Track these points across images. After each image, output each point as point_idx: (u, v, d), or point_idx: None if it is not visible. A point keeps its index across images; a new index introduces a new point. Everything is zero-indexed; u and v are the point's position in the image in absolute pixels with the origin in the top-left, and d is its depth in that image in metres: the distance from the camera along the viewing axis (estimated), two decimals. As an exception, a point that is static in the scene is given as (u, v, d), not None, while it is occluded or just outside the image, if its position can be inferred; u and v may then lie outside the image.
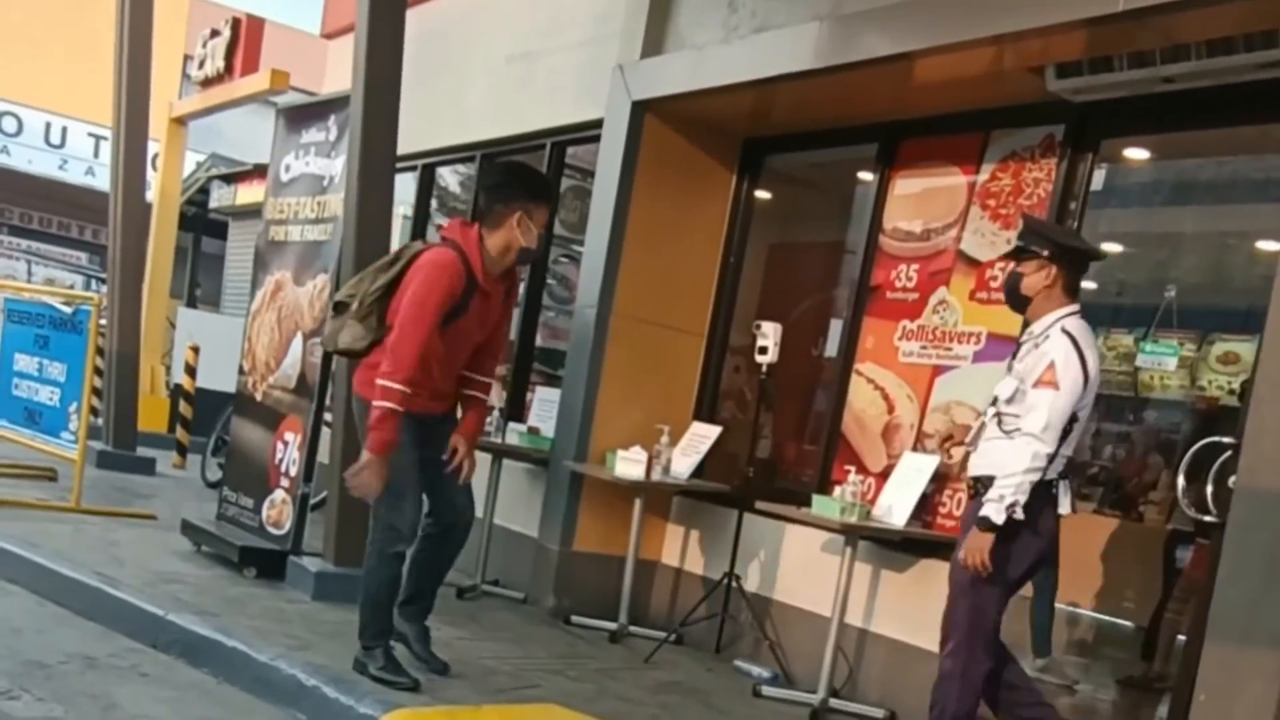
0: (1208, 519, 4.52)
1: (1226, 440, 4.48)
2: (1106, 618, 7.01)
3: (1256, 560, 3.03)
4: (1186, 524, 5.90)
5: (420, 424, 4.60)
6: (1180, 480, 4.92)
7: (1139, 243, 7.06)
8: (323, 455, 6.23)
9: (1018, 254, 4.34)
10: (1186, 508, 4.67)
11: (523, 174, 5.08)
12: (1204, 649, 3.12)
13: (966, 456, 4.73)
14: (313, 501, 6.30)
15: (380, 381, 4.38)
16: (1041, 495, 4.08)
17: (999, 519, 4.02)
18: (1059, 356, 4.06)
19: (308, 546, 6.17)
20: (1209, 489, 4.69)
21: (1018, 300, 4.38)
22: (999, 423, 4.25)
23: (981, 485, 4.27)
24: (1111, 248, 6.36)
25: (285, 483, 6.33)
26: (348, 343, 4.63)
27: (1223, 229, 7.11)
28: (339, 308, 4.70)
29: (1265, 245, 6.37)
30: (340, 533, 5.94)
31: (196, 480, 9.62)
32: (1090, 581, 6.65)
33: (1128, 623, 6.92)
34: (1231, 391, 6.43)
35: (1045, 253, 4.23)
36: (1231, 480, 3.82)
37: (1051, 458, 4.06)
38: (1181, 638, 5.58)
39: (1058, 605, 6.38)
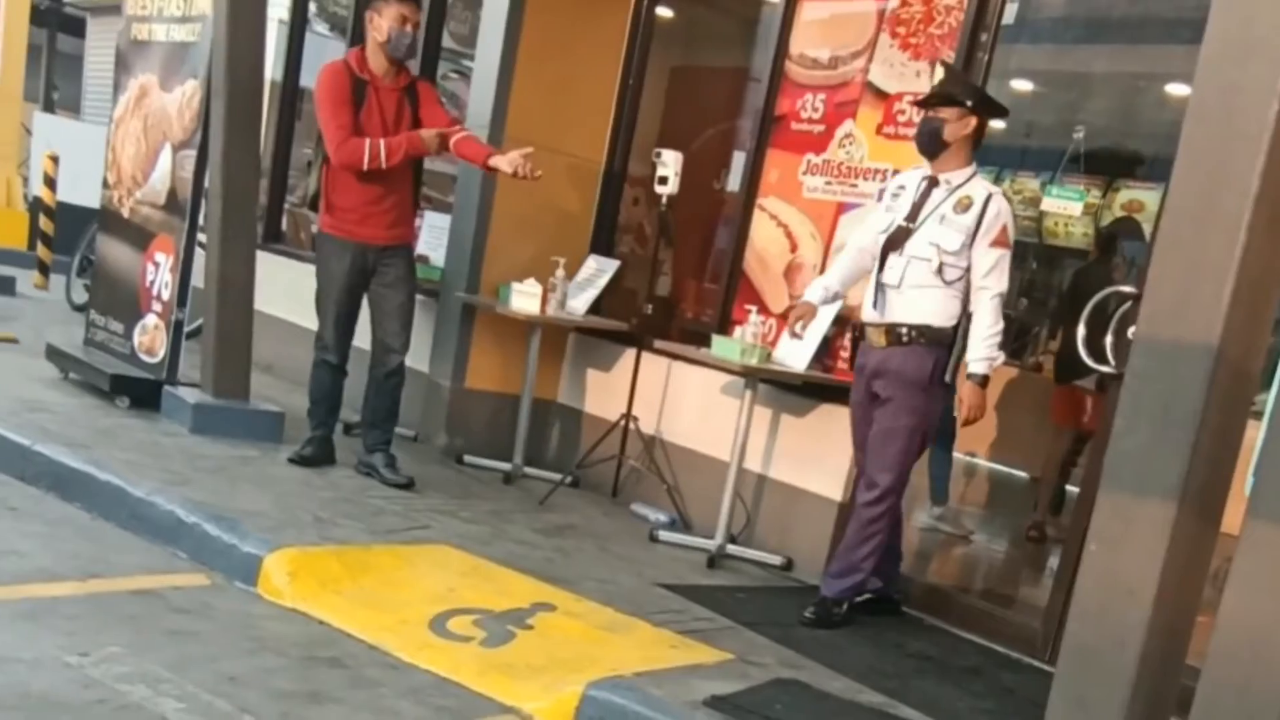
0: (1106, 369, 4.59)
1: (1127, 290, 4.52)
2: (1002, 468, 7.20)
3: (1152, 411, 3.04)
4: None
5: (360, 253, 5.23)
6: (1080, 330, 4.97)
7: (1048, 82, 6.96)
8: (197, 279, 5.90)
9: (937, 100, 4.41)
10: (1085, 358, 4.74)
11: None
12: (1097, 499, 3.15)
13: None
14: (188, 329, 6.00)
15: (344, 169, 5.13)
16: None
17: (986, 371, 4.33)
18: (1008, 219, 4.35)
19: (184, 376, 5.90)
20: (1108, 339, 4.76)
21: (936, 146, 4.42)
22: (940, 272, 4.33)
23: (911, 330, 4.36)
24: (1021, 85, 6.26)
25: (158, 307, 5.99)
26: (314, 188, 5.43)
27: (1134, 70, 7.04)
28: (308, 166, 5.57)
29: (1174, 89, 6.31)
30: (219, 363, 5.69)
31: (61, 302, 9.13)
32: (987, 432, 6.78)
33: (1022, 473, 7.11)
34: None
35: (969, 102, 4.35)
36: (1131, 331, 3.90)
37: None
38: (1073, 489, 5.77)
39: (955, 455, 6.49)
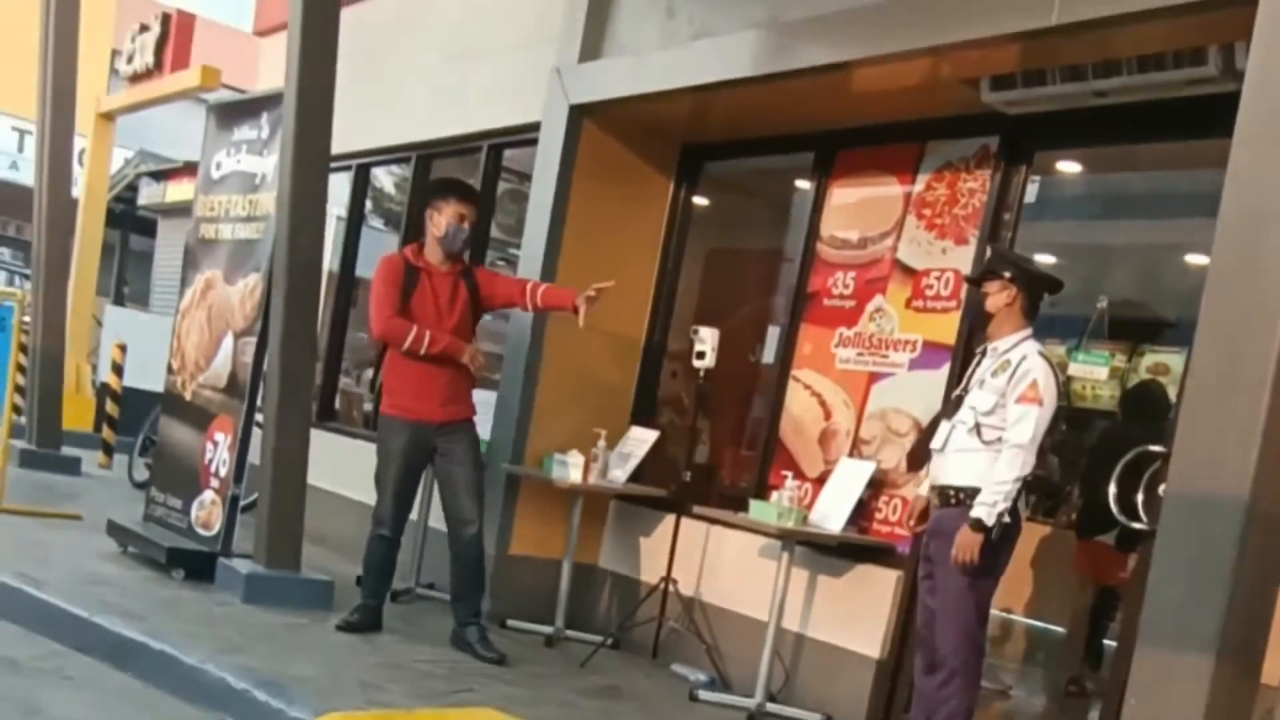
0: (1138, 526, 4.66)
1: (1157, 449, 4.61)
2: (1038, 623, 7.14)
3: (1186, 566, 3.09)
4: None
5: (416, 432, 5.48)
6: (1112, 488, 5.05)
7: (1071, 255, 7.17)
8: (254, 456, 6.14)
9: (984, 276, 4.67)
10: (1118, 514, 4.81)
11: (433, 181, 6.15)
12: (1136, 653, 3.17)
13: (913, 457, 4.84)
14: (243, 503, 6.20)
15: (382, 339, 5.53)
16: (1016, 497, 4.40)
17: (990, 521, 4.32)
18: (1040, 376, 4.42)
19: (238, 548, 6.07)
20: (1140, 496, 4.84)
21: (984, 317, 4.72)
22: (978, 433, 4.48)
23: (958, 493, 4.49)
24: (1044, 259, 6.48)
25: (215, 483, 6.22)
26: (373, 377, 5.82)
27: (1154, 243, 7.25)
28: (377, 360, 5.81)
29: (1194, 259, 6.49)
30: (271, 535, 5.85)
31: (123, 480, 9.40)
32: (1022, 587, 6.77)
33: (1059, 628, 7.05)
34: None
35: (1007, 274, 4.57)
36: (1162, 488, 3.96)
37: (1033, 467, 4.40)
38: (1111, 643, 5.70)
39: (993, 612, 6.47)
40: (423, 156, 8.21)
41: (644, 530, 6.42)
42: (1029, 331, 4.55)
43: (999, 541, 4.38)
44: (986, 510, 4.32)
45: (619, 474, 6.22)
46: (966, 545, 4.34)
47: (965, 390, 4.63)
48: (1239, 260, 3.13)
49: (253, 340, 6.19)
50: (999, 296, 4.56)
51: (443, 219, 5.51)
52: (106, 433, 10.78)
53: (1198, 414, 3.19)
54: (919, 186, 5.62)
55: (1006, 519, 4.33)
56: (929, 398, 5.28)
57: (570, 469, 5.97)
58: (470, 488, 5.53)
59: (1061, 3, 4.28)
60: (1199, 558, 3.05)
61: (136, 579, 5.87)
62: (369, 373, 5.75)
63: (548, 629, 6.06)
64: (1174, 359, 6.28)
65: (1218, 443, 3.07)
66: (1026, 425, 4.34)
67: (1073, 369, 5.62)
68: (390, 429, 5.54)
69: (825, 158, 6.04)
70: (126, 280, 19.63)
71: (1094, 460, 6.42)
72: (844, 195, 6.00)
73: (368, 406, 6.26)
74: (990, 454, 4.41)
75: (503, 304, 5.92)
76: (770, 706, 5.19)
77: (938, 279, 5.43)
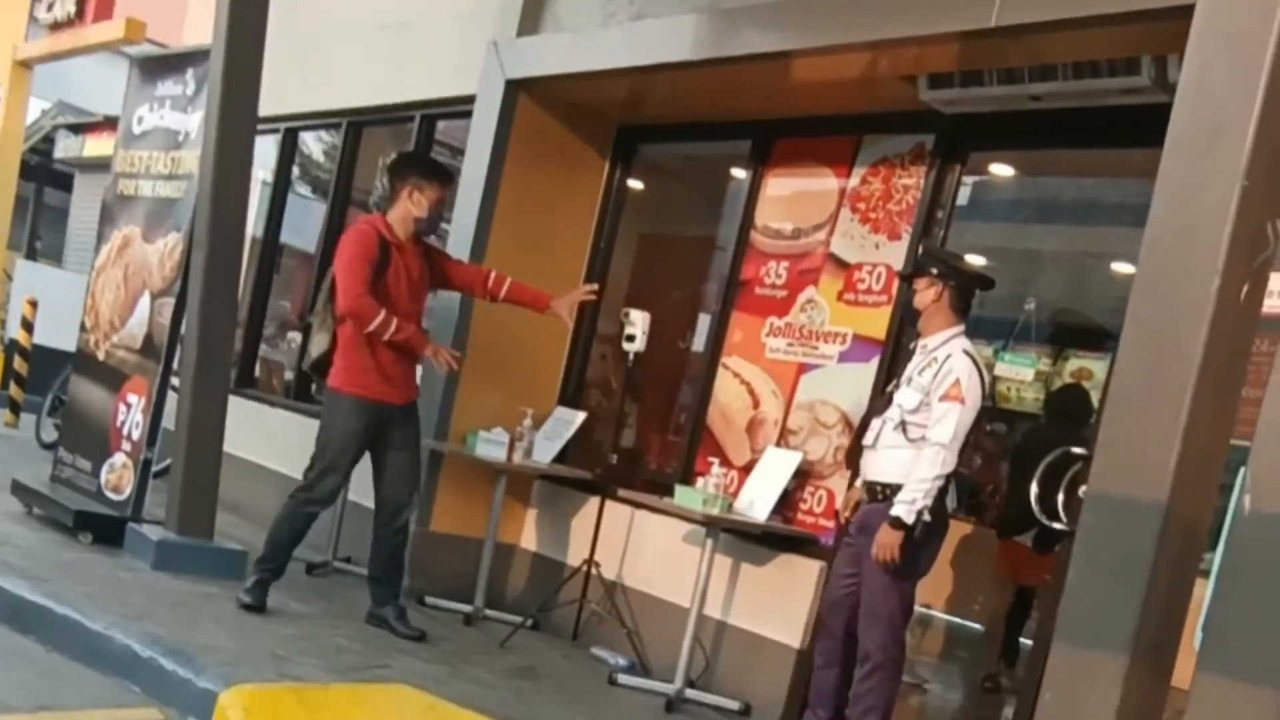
0: (1058, 526, 4.73)
1: (1079, 451, 4.68)
2: (957, 620, 7.25)
3: (1105, 566, 3.12)
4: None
5: (376, 413, 5.30)
6: (1034, 488, 5.12)
7: (1002, 258, 7.26)
8: (168, 421, 5.98)
9: (914, 274, 4.69)
10: (1039, 515, 4.88)
11: (417, 157, 5.90)
12: (1052, 649, 3.21)
13: (849, 455, 4.86)
14: (156, 468, 6.05)
15: (349, 317, 5.21)
16: (940, 495, 4.40)
17: (909, 519, 4.33)
18: (964, 374, 4.42)
19: (149, 514, 5.92)
20: (1060, 497, 4.92)
21: (911, 313, 4.73)
22: (904, 430, 4.50)
23: (885, 489, 4.51)
24: (976, 260, 6.56)
25: (127, 446, 6.06)
26: (319, 350, 5.51)
27: (1082, 249, 7.36)
28: (305, 329, 5.55)
29: (1120, 267, 6.62)
30: (185, 501, 5.73)
31: (30, 440, 9.13)
32: (943, 584, 6.85)
33: (977, 625, 7.17)
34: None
35: (934, 270, 4.59)
36: (1082, 490, 4.03)
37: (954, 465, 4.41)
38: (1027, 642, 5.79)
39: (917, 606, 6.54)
40: (354, 123, 8.06)
41: (568, 512, 6.38)
42: (959, 329, 4.57)
43: (921, 539, 4.39)
44: (905, 508, 4.33)
45: (544, 454, 6.18)
46: (886, 544, 4.35)
47: (896, 387, 4.66)
48: (1166, 267, 3.17)
49: (170, 301, 6.04)
50: (927, 293, 4.58)
51: (425, 200, 5.38)
52: (14, 390, 10.46)
53: (1120, 416, 3.23)
54: (854, 180, 5.64)
55: (927, 517, 4.34)
56: (857, 391, 5.32)
57: (495, 447, 5.90)
58: (413, 474, 5.47)
59: (1001, 5, 4.30)
60: (1117, 558, 3.09)
61: (41, 541, 5.69)
62: (294, 337, 5.51)
63: (467, 608, 6.00)
64: (1098, 364, 6.41)
65: (1139, 445, 3.11)
66: (948, 424, 4.35)
67: (999, 369, 5.71)
68: (350, 408, 5.31)
69: (762, 146, 6.04)
70: (40, 235, 19.05)
71: (1017, 461, 6.52)
72: (779, 185, 6.01)
73: (289, 375, 6.08)
74: (915, 451, 4.42)
75: (458, 288, 5.84)
76: (689, 693, 5.20)
77: (870, 273, 5.47)
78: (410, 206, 5.38)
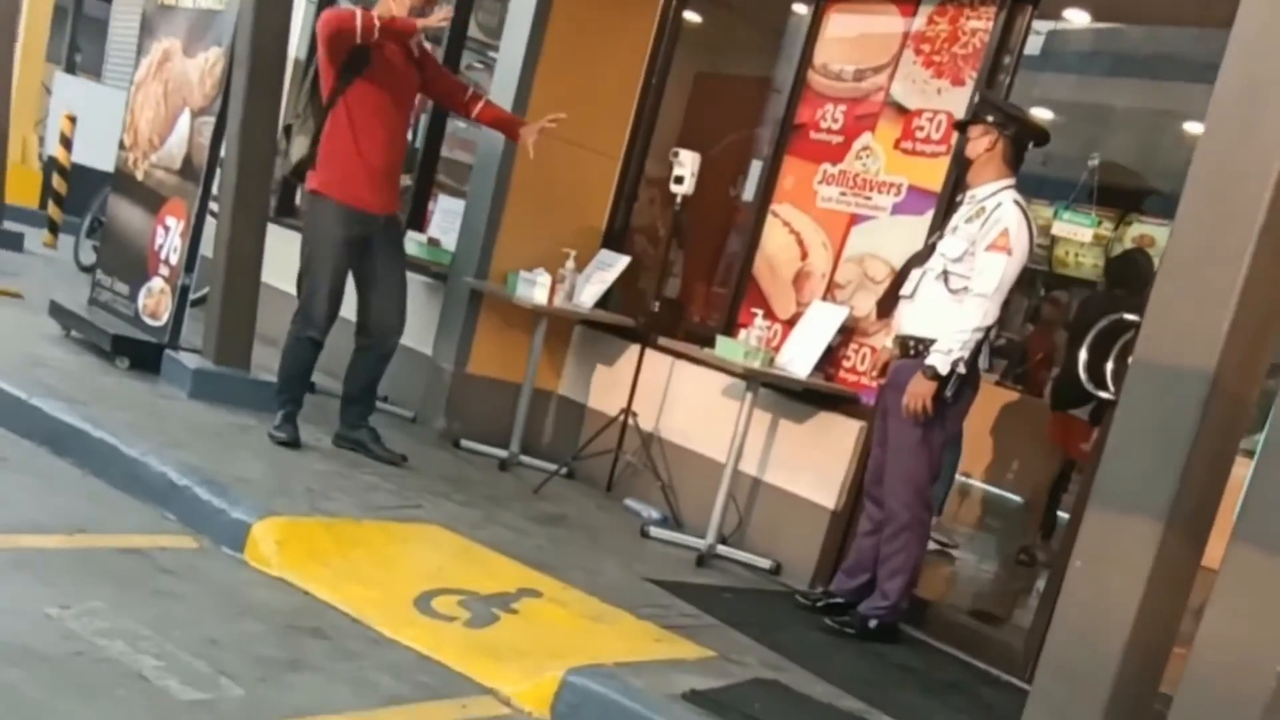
0: (1104, 395, 4.59)
1: (1130, 317, 4.50)
2: (997, 490, 7.18)
3: (1146, 434, 3.08)
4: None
5: (359, 223, 5.03)
6: (1083, 355, 4.96)
7: (1071, 113, 6.95)
8: (206, 249, 5.89)
9: (970, 121, 4.51)
10: (1086, 383, 4.74)
11: None
12: (1085, 516, 3.18)
13: (883, 304, 4.72)
14: (193, 296, 5.99)
15: (331, 37, 4.87)
16: (976, 350, 4.28)
17: (944, 369, 4.23)
18: (1012, 224, 4.27)
19: (186, 342, 5.89)
20: (1109, 365, 4.77)
21: (964, 162, 4.56)
22: (945, 280, 4.36)
23: (918, 344, 4.39)
24: (1043, 114, 6.27)
25: (165, 271, 5.99)
26: (300, 153, 5.14)
27: (1156, 107, 7.03)
28: (287, 132, 5.20)
29: (1194, 128, 6.28)
30: (223, 331, 5.69)
31: (68, 261, 9.12)
32: (984, 454, 6.77)
33: (1017, 497, 7.11)
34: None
35: (990, 119, 4.42)
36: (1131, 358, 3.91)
37: (997, 318, 4.29)
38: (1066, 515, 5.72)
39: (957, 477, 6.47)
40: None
41: (607, 360, 6.30)
42: (1010, 181, 4.40)
43: (954, 394, 4.28)
44: (941, 358, 4.23)
45: (585, 298, 6.06)
46: (918, 393, 4.26)
47: (940, 237, 4.50)
48: (1233, 124, 3.08)
49: (211, 120, 5.88)
50: (980, 141, 4.42)
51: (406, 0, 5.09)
52: (53, 210, 10.40)
53: (1174, 280, 3.16)
54: (920, 20, 5.36)
55: (962, 369, 4.23)
56: (909, 245, 5.11)
57: (536, 288, 5.78)
58: (402, 292, 5.30)
59: None
60: (1159, 425, 3.05)
61: (79, 364, 5.69)
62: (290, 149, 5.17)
63: (502, 453, 5.99)
64: (1160, 231, 6.17)
65: (1190, 312, 3.05)
66: (993, 274, 4.21)
67: (1056, 228, 5.48)
68: (334, 216, 5.04)
69: (826, -22, 5.71)
70: (79, 47, 18.71)
71: (1073, 329, 6.34)
72: (841, 23, 5.73)
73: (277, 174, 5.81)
74: (956, 304, 4.29)
75: (437, 96, 5.66)
76: (721, 549, 5.19)
77: (930, 121, 5.23)
78: (391, 4, 5.09)
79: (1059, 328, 7.11)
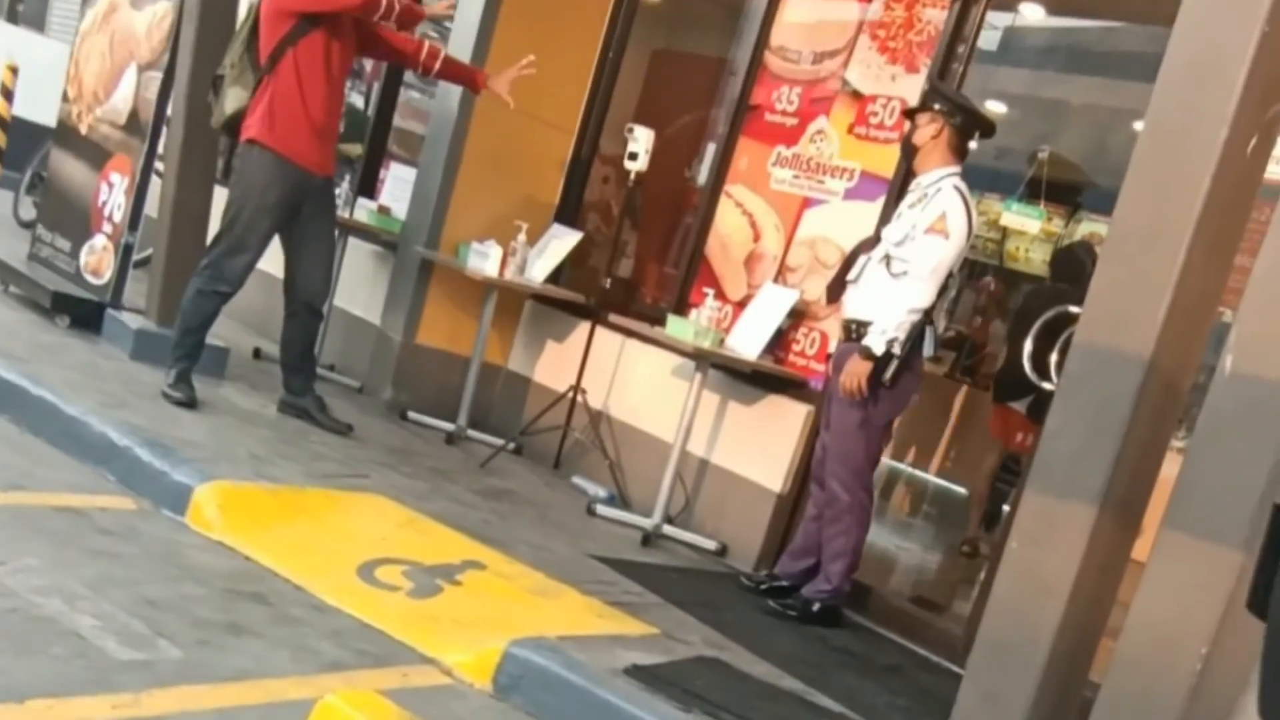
0: (1048, 386, 4.67)
1: (1076, 310, 4.57)
2: (941, 483, 7.24)
3: (1084, 416, 3.15)
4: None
5: (298, 181, 4.90)
6: (1028, 344, 5.04)
7: (1024, 107, 7.03)
8: (151, 209, 5.78)
9: (917, 109, 4.57)
10: (1030, 373, 4.82)
11: None
12: (1023, 498, 3.24)
13: (831, 289, 4.77)
14: (137, 257, 5.88)
15: (366, 7, 4.82)
16: (917, 335, 4.33)
17: (879, 349, 4.27)
18: (951, 209, 4.31)
19: (128, 302, 5.78)
20: (1054, 357, 4.85)
21: (910, 149, 4.58)
22: (888, 265, 4.41)
23: (860, 327, 4.44)
24: (997, 107, 6.33)
25: (108, 228, 5.88)
26: (234, 105, 4.94)
27: (1109, 104, 7.12)
28: (216, 84, 5.01)
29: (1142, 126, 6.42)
30: (166, 291, 5.57)
31: (7, 217, 8.89)
32: (929, 446, 6.83)
33: (962, 490, 7.18)
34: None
35: (937, 106, 4.47)
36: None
37: (933, 301, 4.31)
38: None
39: (903, 465, 6.51)
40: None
41: (557, 335, 6.29)
42: (955, 169, 4.45)
43: (893, 377, 4.32)
44: (877, 338, 4.29)
45: (536, 272, 6.03)
46: (854, 372, 4.32)
47: (886, 224, 4.56)
48: (1175, 112, 3.14)
49: (158, 76, 5.76)
50: (926, 129, 4.48)
51: None
52: (-9, 161, 10.13)
53: (1114, 264, 3.23)
54: (876, 5, 5.41)
55: (897, 350, 4.27)
56: (860, 230, 5.16)
57: (487, 260, 5.75)
58: (330, 261, 5.30)
59: None
60: (1096, 409, 3.12)
61: (18, 320, 5.58)
62: (223, 101, 4.96)
63: (450, 426, 5.96)
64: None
65: (1129, 297, 3.11)
66: (929, 257, 4.27)
67: (1005, 219, 5.55)
68: (273, 168, 4.84)
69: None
70: (22, -1, 18.24)
71: (1016, 321, 6.43)
72: (799, 6, 5.75)
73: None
74: (896, 288, 4.34)
75: (386, 55, 5.51)
76: (667, 529, 5.21)
77: (883, 107, 5.27)
78: None
79: (995, 317, 7.21)
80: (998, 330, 7.04)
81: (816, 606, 4.49)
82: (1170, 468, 3.16)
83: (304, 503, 4.18)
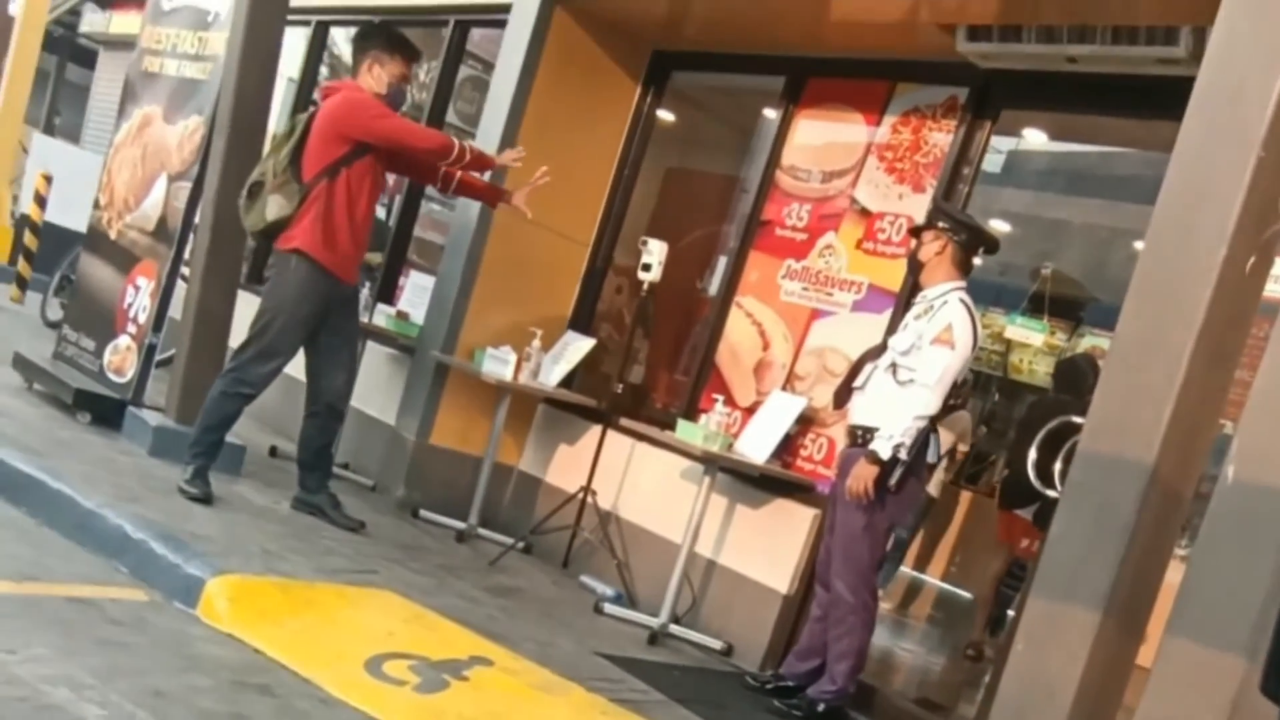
0: (1052, 494, 4.71)
1: (1080, 420, 4.64)
2: (948, 587, 7.23)
3: (1087, 521, 3.17)
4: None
5: (333, 291, 5.02)
6: (1032, 454, 5.09)
7: (1027, 226, 7.19)
8: (175, 312, 5.93)
9: (923, 227, 4.72)
10: (1034, 480, 4.86)
11: (381, 28, 5.42)
12: (1028, 601, 3.26)
13: (838, 395, 4.86)
14: (159, 357, 6.00)
15: (428, 144, 5.15)
16: (922, 441, 4.42)
17: (885, 454, 4.36)
18: (956, 320, 4.43)
19: (149, 400, 5.89)
20: (1058, 465, 4.89)
21: (915, 265, 4.73)
22: (894, 373, 4.51)
23: (866, 433, 4.53)
24: (1001, 226, 6.48)
25: (133, 329, 6.01)
26: (276, 213, 4.97)
27: (1109, 224, 7.29)
28: (253, 190, 5.03)
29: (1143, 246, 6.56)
30: (187, 389, 5.68)
31: (35, 317, 9.09)
32: (938, 552, 6.84)
33: (967, 594, 7.16)
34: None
35: (942, 224, 4.62)
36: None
37: (938, 409, 4.40)
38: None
39: (909, 570, 6.50)
40: (388, 23, 7.91)
41: (569, 438, 6.37)
42: (960, 284, 4.58)
43: (897, 483, 4.41)
44: (883, 443, 4.37)
45: (551, 377, 6.14)
46: (861, 476, 4.39)
47: (893, 335, 4.68)
48: (1175, 231, 3.20)
49: (187, 185, 5.95)
50: (931, 245, 4.62)
51: (386, 75, 5.13)
52: (22, 266, 10.39)
53: (1117, 375, 3.28)
54: (884, 129, 5.58)
55: (903, 455, 4.36)
56: (868, 341, 5.25)
57: (501, 365, 5.86)
58: (354, 366, 5.41)
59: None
60: (1099, 515, 3.14)
61: (39, 416, 5.68)
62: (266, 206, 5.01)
63: (460, 524, 6.00)
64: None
65: (1132, 405, 3.14)
66: (936, 366, 4.37)
67: (1010, 332, 5.65)
68: (315, 283, 4.95)
69: (795, 84, 5.96)
70: (59, 111, 18.84)
71: (1021, 430, 6.50)
72: (809, 128, 5.93)
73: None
74: (902, 395, 4.44)
75: (406, 168, 5.58)
76: (673, 628, 5.22)
77: (891, 224, 5.41)
78: (370, 81, 5.11)
79: (1005, 429, 7.27)
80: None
81: (821, 707, 4.48)
82: (1174, 575, 3.18)
83: (313, 597, 4.20)
